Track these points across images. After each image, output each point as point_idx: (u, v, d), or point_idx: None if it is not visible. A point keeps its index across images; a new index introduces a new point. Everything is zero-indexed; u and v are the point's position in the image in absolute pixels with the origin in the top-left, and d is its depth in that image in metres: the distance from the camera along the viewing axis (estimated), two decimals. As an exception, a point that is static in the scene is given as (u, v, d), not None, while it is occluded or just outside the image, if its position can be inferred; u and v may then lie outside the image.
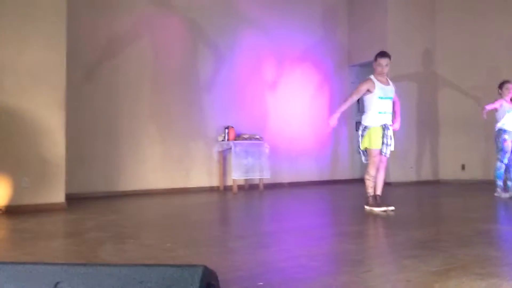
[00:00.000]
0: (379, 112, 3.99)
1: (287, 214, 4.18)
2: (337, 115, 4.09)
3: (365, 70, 7.54)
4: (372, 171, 4.00)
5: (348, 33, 8.22)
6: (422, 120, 7.72)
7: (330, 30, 8.03)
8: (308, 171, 7.55)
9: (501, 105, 5.09)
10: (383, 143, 3.98)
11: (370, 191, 4.01)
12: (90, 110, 5.74)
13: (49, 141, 4.41)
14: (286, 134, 7.34)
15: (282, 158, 7.23)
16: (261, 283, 1.79)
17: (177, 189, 6.26)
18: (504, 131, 5.02)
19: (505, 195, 4.96)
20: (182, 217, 3.98)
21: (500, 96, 5.17)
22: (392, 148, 4.09)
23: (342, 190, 6.57)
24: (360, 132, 4.13)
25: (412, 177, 7.53)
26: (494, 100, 5.22)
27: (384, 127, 4.01)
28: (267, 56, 7.23)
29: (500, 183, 5.06)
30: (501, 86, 5.19)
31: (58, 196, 4.45)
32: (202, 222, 3.68)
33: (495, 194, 5.07)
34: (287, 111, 7.39)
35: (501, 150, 5.03)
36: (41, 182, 4.36)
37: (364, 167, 4.32)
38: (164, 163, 6.23)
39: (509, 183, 5.19)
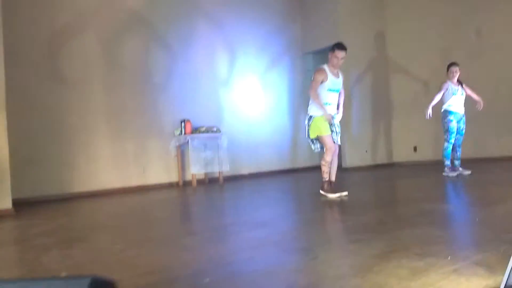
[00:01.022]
0: (325, 103, 4.04)
1: (244, 206, 4.20)
2: (323, 109, 4.03)
3: (319, 57, 7.65)
4: (328, 157, 4.04)
5: (301, 22, 8.27)
6: (376, 104, 7.93)
7: (284, 20, 8.05)
8: (268, 161, 7.59)
9: (446, 88, 5.30)
10: (332, 131, 4.04)
11: (326, 176, 4.06)
12: (37, 109, 5.47)
13: (-11, 144, 4.17)
14: (244, 125, 7.34)
15: (242, 150, 7.23)
16: (207, 279, 1.78)
17: (134, 187, 6.12)
18: (450, 112, 5.25)
19: (453, 174, 5.21)
20: (137, 216, 3.91)
21: (447, 78, 5.38)
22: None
23: (302, 178, 6.66)
24: (306, 122, 4.17)
25: (367, 161, 7.75)
26: (440, 84, 5.42)
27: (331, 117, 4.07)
28: (222, 48, 7.16)
29: (447, 162, 5.29)
30: (447, 68, 5.40)
31: (3, 202, 4.24)
32: (157, 220, 3.63)
33: (443, 174, 5.31)
34: (244, 102, 7.38)
35: (447, 130, 5.27)
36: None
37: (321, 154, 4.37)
38: (119, 161, 6.07)
39: (456, 162, 5.46)
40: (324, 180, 4.07)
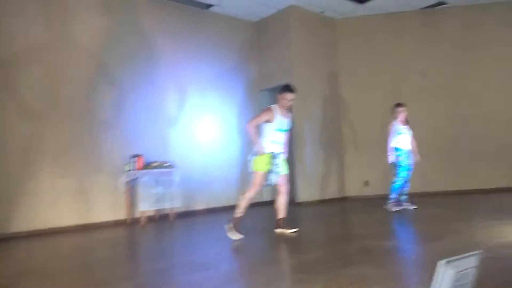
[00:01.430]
0: (272, 141, 4.09)
1: (190, 246, 4.07)
2: (257, 145, 4.05)
3: (274, 94, 7.80)
4: (251, 193, 4.02)
5: (258, 60, 8.47)
6: (328, 139, 8.14)
7: (241, 59, 8.22)
8: (223, 196, 7.50)
9: (393, 127, 5.53)
10: (271, 170, 4.05)
11: (239, 213, 4.05)
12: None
13: None
14: (199, 160, 7.27)
15: (195, 185, 7.11)
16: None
17: (77, 226, 5.81)
18: (397, 148, 5.47)
19: (396, 208, 5.35)
20: (74, 259, 3.69)
21: (393, 118, 5.63)
22: (285, 171, 4.17)
23: (253, 214, 6.60)
24: (249, 158, 4.18)
25: (319, 195, 7.83)
26: (387, 127, 5.65)
27: (273, 155, 4.10)
28: (176, 85, 7.15)
29: (395, 196, 5.44)
30: (393, 109, 5.66)
31: None
32: (94, 262, 3.44)
33: (386, 207, 5.44)
34: (198, 138, 7.33)
35: (399, 165, 5.45)
36: None
37: (276, 190, 4.36)
38: (62, 199, 5.76)
39: (402, 197, 5.63)
40: (236, 216, 4.04)
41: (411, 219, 4.88)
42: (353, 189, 8.19)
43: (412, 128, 5.82)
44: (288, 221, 4.24)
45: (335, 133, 8.30)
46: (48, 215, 5.59)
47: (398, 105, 5.66)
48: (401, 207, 5.42)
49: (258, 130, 4.17)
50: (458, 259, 1.32)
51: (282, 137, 4.19)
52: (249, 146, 7.85)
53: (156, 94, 6.88)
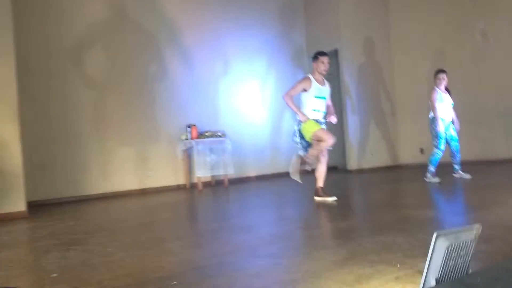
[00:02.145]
0: (313, 110, 4.19)
1: (238, 210, 4.40)
2: (300, 113, 4.16)
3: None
4: (323, 145, 4.03)
5: (305, 25, 8.39)
6: (380, 106, 7.99)
7: (288, 24, 8.20)
8: (274, 164, 7.76)
9: (436, 95, 5.30)
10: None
11: (311, 161, 4.14)
12: (50, 117, 5.84)
13: (5, 153, 4.51)
14: (250, 129, 7.54)
15: (247, 153, 7.43)
16: (175, 283, 1.98)
17: (143, 189, 6.42)
18: (437, 118, 5.27)
19: (435, 180, 5.20)
20: (136, 219, 4.17)
21: (435, 84, 5.41)
22: None
23: (305, 181, 6.81)
24: (295, 127, 4.27)
25: (373, 163, 7.81)
26: (430, 94, 5.41)
27: (318, 122, 4.19)
28: (227, 53, 7.37)
29: (432, 168, 5.29)
30: (435, 75, 5.42)
31: (18, 205, 4.57)
32: (152, 223, 3.87)
33: (425, 179, 5.32)
34: (249, 107, 7.57)
35: (435, 136, 5.28)
36: (0, 193, 4.48)
37: (331, 155, 4.47)
38: (128, 165, 6.37)
39: (456, 166, 5.46)
40: (307, 160, 4.12)
41: (459, 188, 4.80)
42: (408, 156, 8.04)
43: (452, 96, 5.51)
44: (327, 190, 4.36)
45: (388, 99, 8.11)
46: (115, 180, 6.22)
47: (440, 71, 5.37)
48: (439, 179, 5.23)
49: (296, 100, 4.26)
50: (453, 232, 1.43)
51: (322, 105, 4.23)
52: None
53: (205, 65, 7.15)
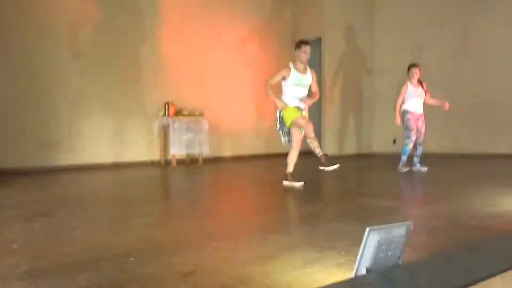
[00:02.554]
0: (293, 97, 4.25)
1: (207, 191, 4.50)
2: (277, 101, 4.21)
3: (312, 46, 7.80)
4: (310, 132, 4.11)
5: (292, 12, 8.38)
6: (358, 96, 8.13)
7: (276, 10, 8.17)
8: (250, 145, 7.87)
9: (406, 90, 5.47)
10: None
11: (319, 152, 4.21)
12: (21, 83, 5.75)
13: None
14: (229, 110, 7.58)
15: (224, 133, 7.50)
16: (131, 259, 2.07)
17: (116, 163, 6.44)
18: (408, 111, 5.46)
19: (404, 170, 5.44)
20: (105, 194, 4.23)
21: (408, 78, 5.56)
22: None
23: (279, 164, 6.94)
24: (277, 115, 4.35)
25: (347, 150, 8.00)
26: (400, 87, 5.57)
27: (298, 108, 4.26)
28: (210, 33, 7.33)
29: (404, 158, 5.51)
30: (408, 69, 5.56)
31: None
32: (121, 199, 3.94)
33: (398, 168, 5.54)
34: (231, 88, 7.60)
35: (407, 128, 5.49)
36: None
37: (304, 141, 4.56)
38: (103, 138, 6.37)
39: (415, 158, 5.66)
40: (320, 155, 4.19)
41: (421, 181, 5.01)
42: (381, 145, 8.25)
43: (427, 89, 5.67)
44: (298, 174, 4.49)
45: (366, 89, 8.25)
46: (88, 152, 6.22)
47: (413, 65, 5.53)
48: (411, 168, 5.48)
49: (276, 89, 4.32)
50: (385, 228, 1.55)
51: (302, 93, 4.28)
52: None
53: (190, 45, 7.11)
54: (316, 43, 7.80)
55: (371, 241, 1.51)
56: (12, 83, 5.64)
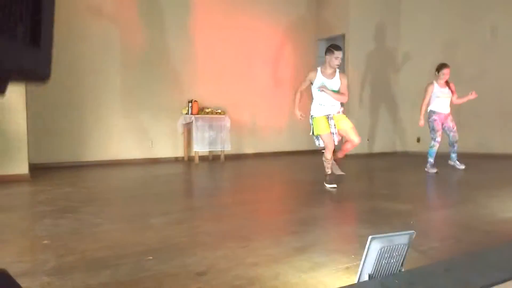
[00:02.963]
0: (320, 104, 4.25)
1: (228, 188, 4.62)
2: (295, 108, 4.29)
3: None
4: (327, 154, 4.24)
5: (316, 9, 8.36)
6: (383, 94, 8.05)
7: (300, 6, 8.18)
8: (271, 142, 7.94)
9: (432, 91, 5.40)
10: (331, 132, 4.21)
11: (328, 171, 4.32)
12: (53, 84, 6.01)
13: (11, 118, 4.74)
14: (251, 107, 7.68)
15: (246, 130, 7.61)
16: (150, 258, 2.21)
17: (143, 159, 6.67)
18: (434, 112, 5.40)
19: (432, 171, 5.41)
20: (129, 191, 4.41)
21: (435, 77, 5.47)
22: (345, 126, 4.26)
23: (299, 162, 7.01)
24: (310, 121, 4.39)
25: (371, 149, 7.96)
26: (426, 87, 5.49)
27: (328, 118, 4.25)
28: (230, 30, 7.42)
29: (431, 160, 5.47)
30: (438, 69, 5.47)
31: (21, 168, 4.83)
32: (143, 196, 4.11)
33: (425, 169, 5.51)
34: (251, 86, 7.68)
35: (432, 129, 5.43)
36: (5, 156, 4.74)
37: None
38: (129, 135, 6.60)
39: (452, 155, 5.62)
40: (326, 173, 4.32)
41: (441, 182, 4.97)
42: (405, 144, 8.17)
43: (455, 90, 5.57)
44: (321, 174, 4.53)
45: (391, 87, 8.16)
46: (115, 149, 6.47)
47: (444, 66, 5.42)
48: (448, 162, 5.45)
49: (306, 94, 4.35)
50: (388, 236, 1.61)
51: (329, 98, 4.23)
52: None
53: (213, 43, 7.23)
54: (340, 40, 7.78)
55: (373, 249, 1.57)
56: (47, 84, 5.91)
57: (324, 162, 4.35)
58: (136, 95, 6.60)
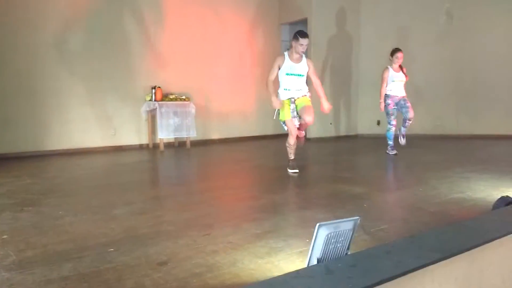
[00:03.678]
0: (285, 89, 4.32)
1: (193, 175, 4.67)
2: (273, 99, 4.20)
3: (294, 28, 7.84)
4: (290, 140, 4.37)
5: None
6: (344, 79, 8.25)
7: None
8: (238, 128, 8.01)
9: (388, 74, 5.59)
10: (293, 116, 4.31)
11: (291, 156, 4.45)
12: (11, 72, 5.81)
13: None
14: (216, 93, 7.68)
15: (212, 116, 7.63)
16: (111, 249, 2.26)
17: (106, 147, 6.58)
18: (388, 95, 5.60)
19: (393, 152, 5.65)
20: (92, 181, 4.38)
21: (390, 62, 5.67)
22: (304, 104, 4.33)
23: (264, 147, 7.13)
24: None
25: (332, 132, 8.18)
26: (382, 73, 5.67)
27: (290, 101, 4.33)
28: (194, 15, 7.34)
29: (390, 142, 5.72)
30: (392, 53, 5.65)
31: (-23, 160, 4.70)
32: (107, 186, 4.10)
33: (386, 152, 5.76)
34: (216, 70, 7.66)
35: (387, 113, 5.66)
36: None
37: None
38: (92, 122, 6.48)
39: (402, 128, 5.81)
40: (289, 158, 4.45)
41: (397, 164, 5.22)
42: (365, 127, 8.44)
43: (407, 74, 5.79)
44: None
45: (350, 72, 8.36)
46: (77, 137, 6.35)
47: (397, 50, 5.61)
48: (395, 151, 5.66)
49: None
50: (334, 223, 1.73)
51: (295, 82, 4.32)
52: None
53: (176, 28, 7.13)
54: (303, 24, 7.85)
55: (321, 235, 1.69)
56: (5, 72, 5.70)
57: (288, 148, 4.47)
58: (98, 81, 6.47)
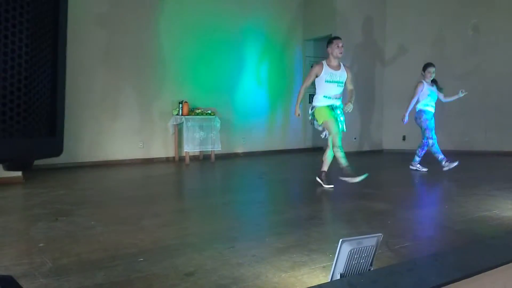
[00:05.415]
0: (324, 96, 4.34)
1: (218, 189, 4.76)
2: (297, 106, 4.40)
3: (318, 44, 7.95)
4: (336, 141, 4.28)
5: (304, 8, 8.51)
6: (369, 93, 8.24)
7: (286, 5, 8.31)
8: (262, 142, 8.10)
9: (421, 90, 5.54)
10: (336, 118, 4.29)
11: (324, 168, 4.41)
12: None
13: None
14: (240, 108, 7.82)
15: (236, 130, 7.76)
16: (141, 259, 2.35)
17: (134, 159, 6.79)
18: (425, 111, 5.51)
19: (453, 164, 5.41)
20: (122, 192, 4.54)
21: (422, 77, 5.63)
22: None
23: (289, 161, 7.17)
24: (310, 112, 4.53)
25: (357, 147, 8.16)
26: (415, 85, 5.64)
27: (331, 107, 4.35)
28: (221, 33, 7.54)
29: (441, 156, 5.48)
30: (424, 68, 5.63)
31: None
32: (135, 197, 4.24)
33: (444, 168, 5.50)
34: (241, 86, 7.82)
35: (426, 128, 5.52)
36: (-2, 159, 4.84)
37: (316, 136, 4.72)
38: (121, 136, 6.71)
39: (417, 158, 5.72)
40: (341, 165, 4.34)
41: (425, 181, 5.16)
42: (390, 142, 8.37)
43: (441, 88, 5.74)
44: (328, 176, 4.66)
45: (376, 86, 8.35)
46: (107, 149, 6.58)
47: (429, 65, 5.58)
48: (455, 163, 5.43)
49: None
50: (357, 239, 1.77)
51: (335, 90, 4.34)
52: (294, 95, 8.26)
53: (202, 43, 7.34)
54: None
55: (344, 250, 1.74)
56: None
57: (336, 153, 4.31)
58: (128, 96, 6.71)
